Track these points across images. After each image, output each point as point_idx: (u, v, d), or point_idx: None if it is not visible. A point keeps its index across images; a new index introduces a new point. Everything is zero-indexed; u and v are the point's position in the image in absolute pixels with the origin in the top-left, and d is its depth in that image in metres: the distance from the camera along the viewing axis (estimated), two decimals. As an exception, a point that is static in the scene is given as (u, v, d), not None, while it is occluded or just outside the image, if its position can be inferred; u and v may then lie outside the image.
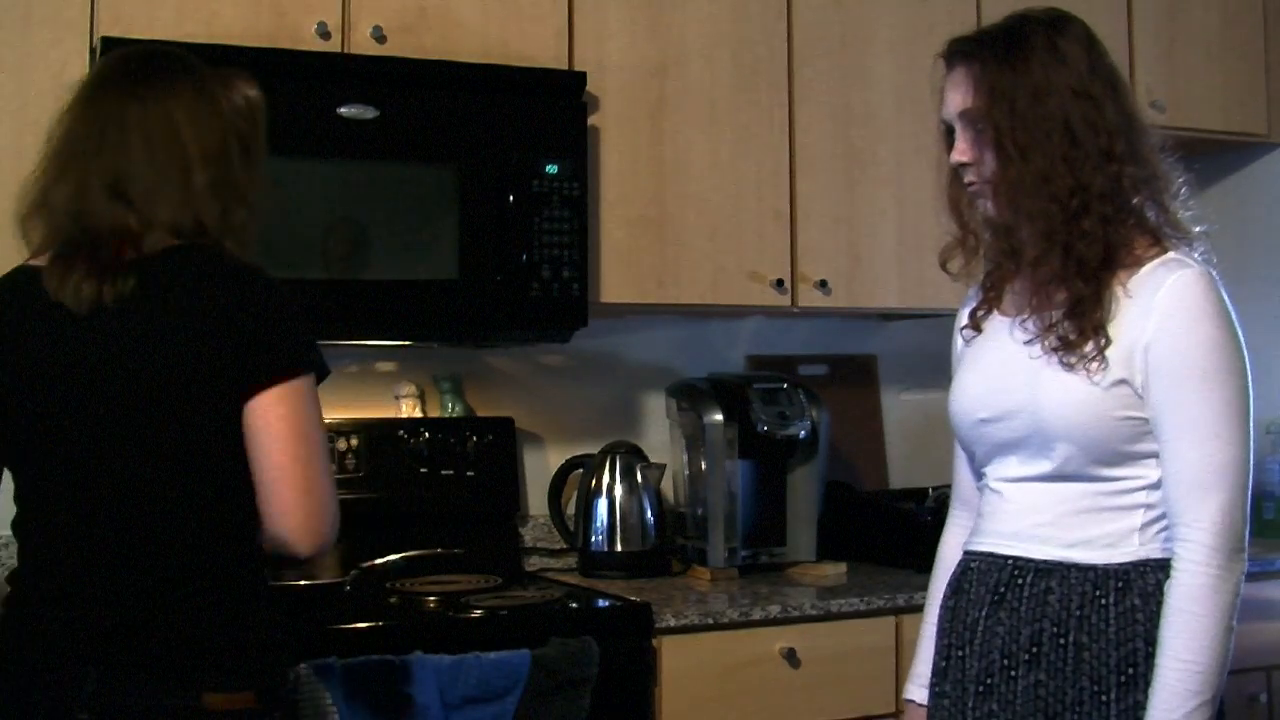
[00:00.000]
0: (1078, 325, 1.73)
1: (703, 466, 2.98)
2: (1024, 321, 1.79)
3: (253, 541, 1.78)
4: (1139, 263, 1.74)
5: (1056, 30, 1.78)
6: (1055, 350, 1.74)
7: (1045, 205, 1.74)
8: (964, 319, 1.94)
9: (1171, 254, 1.74)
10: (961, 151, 1.80)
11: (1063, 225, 1.73)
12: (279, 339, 1.76)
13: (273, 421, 1.73)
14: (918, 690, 1.96)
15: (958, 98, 1.80)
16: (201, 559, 1.74)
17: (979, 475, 1.90)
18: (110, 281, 1.72)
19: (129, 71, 1.82)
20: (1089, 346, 1.72)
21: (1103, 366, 1.71)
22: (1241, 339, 1.71)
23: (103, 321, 1.73)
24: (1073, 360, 1.72)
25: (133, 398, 1.73)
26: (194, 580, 1.73)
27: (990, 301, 1.89)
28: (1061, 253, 1.74)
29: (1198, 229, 1.79)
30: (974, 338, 1.91)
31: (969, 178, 1.81)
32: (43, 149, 1.83)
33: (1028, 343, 1.78)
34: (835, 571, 2.96)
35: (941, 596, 1.92)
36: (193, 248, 1.77)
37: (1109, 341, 1.71)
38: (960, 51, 1.81)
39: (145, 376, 1.73)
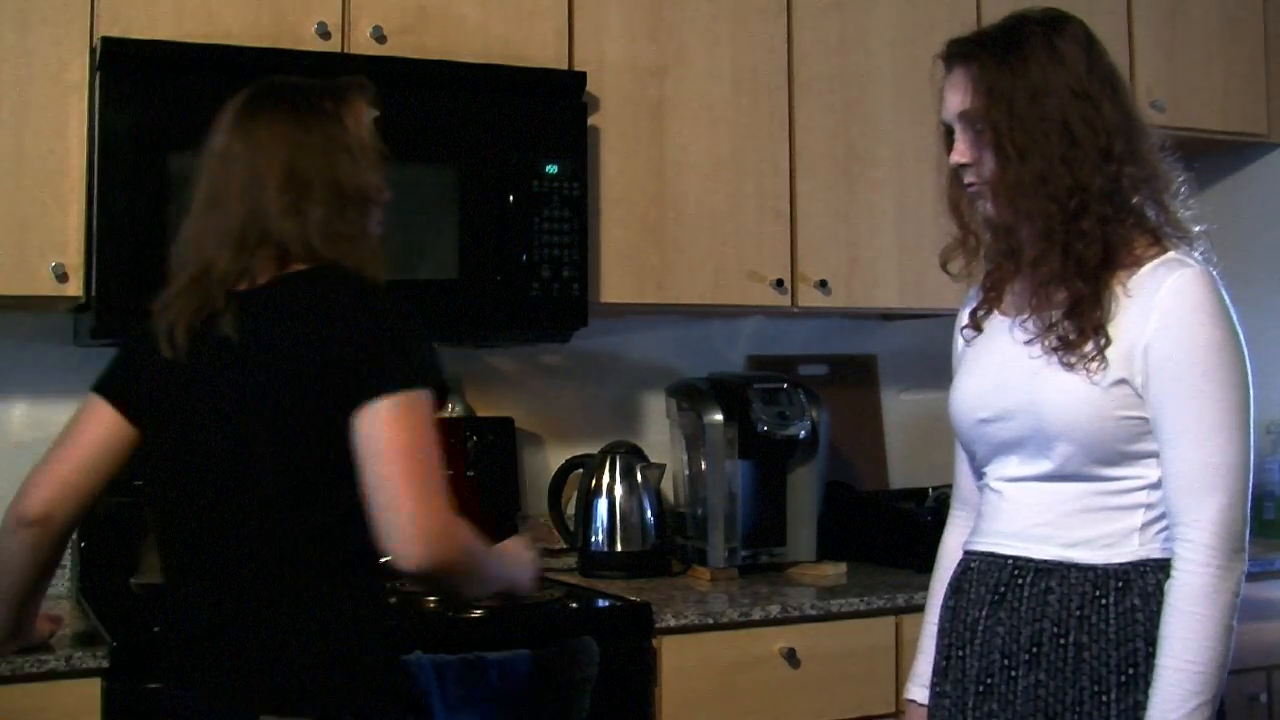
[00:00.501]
0: (1077, 325, 1.72)
1: (703, 466, 2.98)
2: (1024, 321, 1.79)
3: (342, 568, 1.76)
4: (1139, 262, 1.74)
5: (1055, 30, 1.78)
6: (1055, 350, 1.74)
7: (1044, 205, 1.73)
8: (964, 319, 1.94)
9: (1171, 253, 1.73)
10: (961, 153, 1.80)
11: (1061, 225, 1.73)
12: (390, 353, 1.72)
13: (380, 436, 1.68)
14: (919, 690, 1.96)
15: (956, 99, 1.80)
16: (280, 585, 1.75)
17: (979, 475, 1.90)
18: (211, 321, 1.76)
19: (247, 107, 1.84)
20: (1089, 346, 1.72)
21: (1102, 366, 1.71)
22: (1242, 339, 1.71)
23: (208, 355, 1.77)
24: (1072, 360, 1.72)
25: (222, 424, 1.76)
26: (268, 603, 1.74)
27: (990, 301, 1.89)
28: (1060, 253, 1.73)
29: (1198, 228, 1.79)
30: (974, 338, 1.91)
31: (968, 178, 1.81)
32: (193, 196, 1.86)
33: (1028, 343, 1.78)
34: (835, 571, 2.96)
35: (942, 596, 1.92)
36: (318, 271, 1.79)
37: (1109, 341, 1.71)
38: (959, 53, 1.81)
39: (233, 404, 1.75)
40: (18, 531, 1.86)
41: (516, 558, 1.98)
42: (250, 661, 1.73)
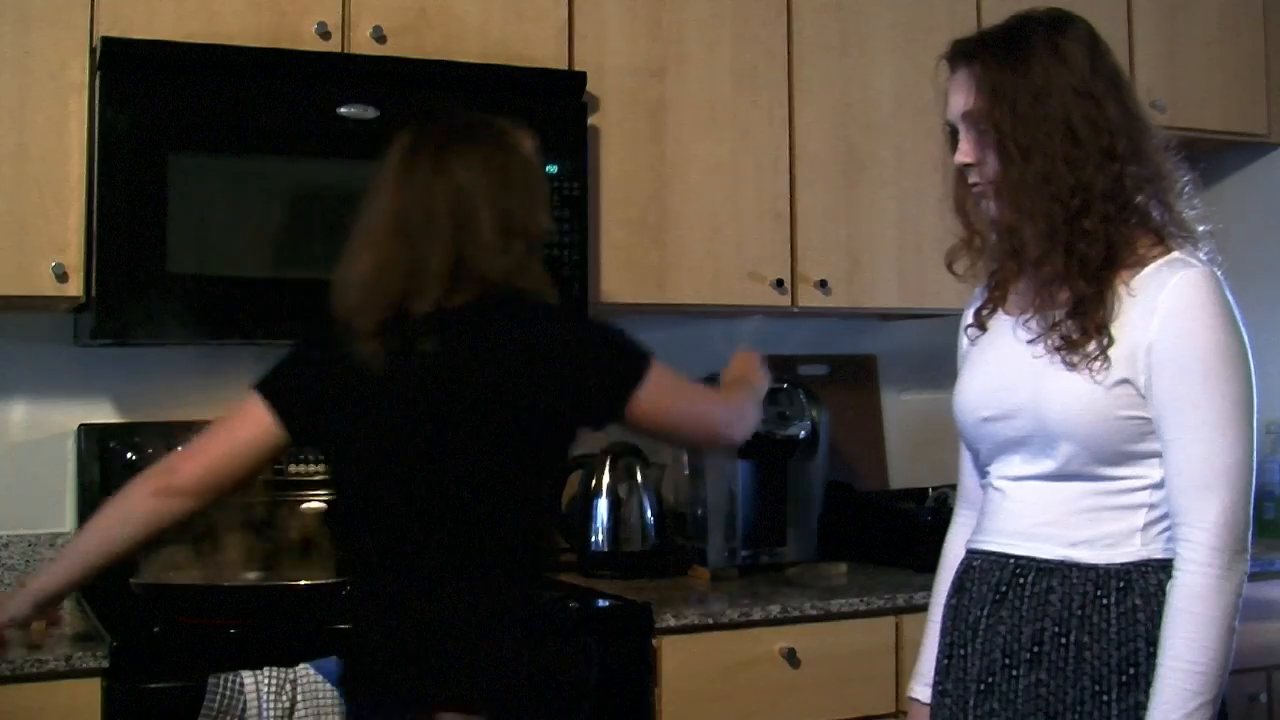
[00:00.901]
0: (1080, 325, 1.72)
1: (703, 466, 2.98)
2: (1027, 321, 1.79)
3: (519, 570, 1.85)
4: (1142, 262, 1.73)
5: (1058, 30, 1.78)
6: (1058, 349, 1.74)
7: (1047, 205, 1.73)
8: (969, 318, 1.94)
9: (1175, 253, 1.73)
10: (965, 153, 1.80)
11: (1064, 225, 1.73)
12: (615, 357, 1.91)
13: (660, 411, 1.93)
14: (922, 689, 1.96)
15: (960, 99, 1.79)
16: (465, 584, 1.82)
17: (983, 474, 1.90)
18: (409, 340, 1.82)
19: (444, 143, 1.89)
20: (1092, 346, 1.71)
21: (1105, 366, 1.71)
22: (1245, 339, 1.70)
23: (412, 374, 1.82)
24: (1075, 359, 1.72)
25: (432, 438, 1.82)
26: (454, 606, 1.82)
27: (995, 301, 1.89)
28: (1064, 252, 1.73)
29: (1202, 228, 1.79)
30: (979, 337, 1.91)
31: (973, 178, 1.81)
32: (362, 224, 1.91)
33: (1031, 342, 1.77)
34: (835, 571, 2.96)
35: (945, 595, 1.92)
36: (508, 293, 1.85)
37: (1112, 341, 1.71)
38: (962, 53, 1.81)
39: (445, 419, 1.81)
40: (158, 496, 1.94)
41: (757, 371, 2.23)
42: (429, 659, 1.80)
